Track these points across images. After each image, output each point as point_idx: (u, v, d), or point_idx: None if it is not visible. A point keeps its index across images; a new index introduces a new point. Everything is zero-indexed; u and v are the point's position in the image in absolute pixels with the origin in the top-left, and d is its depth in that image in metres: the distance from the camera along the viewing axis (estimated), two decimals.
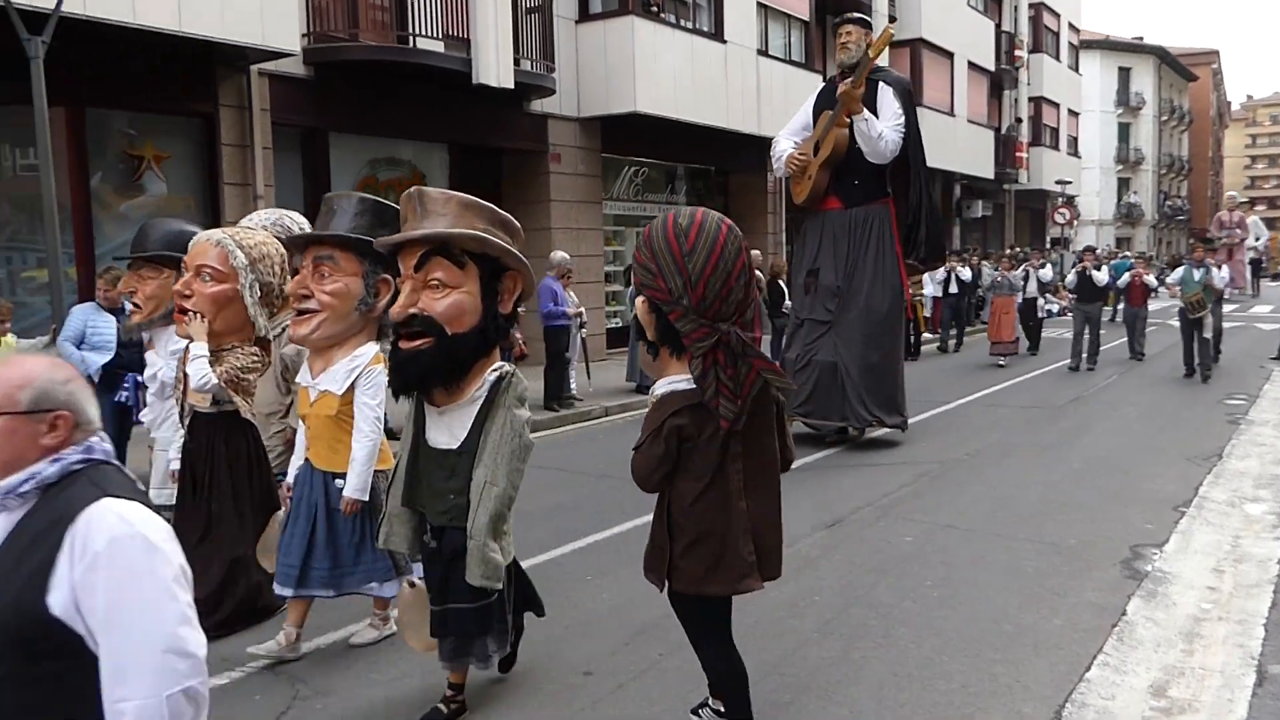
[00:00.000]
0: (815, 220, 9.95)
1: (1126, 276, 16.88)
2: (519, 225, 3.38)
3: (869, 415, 9.46)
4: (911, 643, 4.75)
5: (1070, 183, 36.54)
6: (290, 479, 4.55)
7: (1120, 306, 19.56)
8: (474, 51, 13.23)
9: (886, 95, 9.48)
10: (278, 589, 4.46)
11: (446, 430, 3.45)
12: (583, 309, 12.27)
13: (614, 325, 17.42)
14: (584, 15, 16.41)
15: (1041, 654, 4.60)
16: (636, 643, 4.78)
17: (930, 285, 18.88)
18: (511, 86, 13.68)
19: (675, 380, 3.10)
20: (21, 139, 10.23)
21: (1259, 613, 5.13)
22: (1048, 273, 18.45)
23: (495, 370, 3.45)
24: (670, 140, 17.71)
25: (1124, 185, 56.90)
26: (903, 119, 9.44)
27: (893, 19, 25.19)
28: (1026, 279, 17.87)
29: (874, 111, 9.37)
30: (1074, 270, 16.42)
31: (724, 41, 18.00)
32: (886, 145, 9.32)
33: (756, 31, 19.15)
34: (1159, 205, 60.12)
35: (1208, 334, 14.21)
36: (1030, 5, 35.88)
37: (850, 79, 9.22)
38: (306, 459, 4.42)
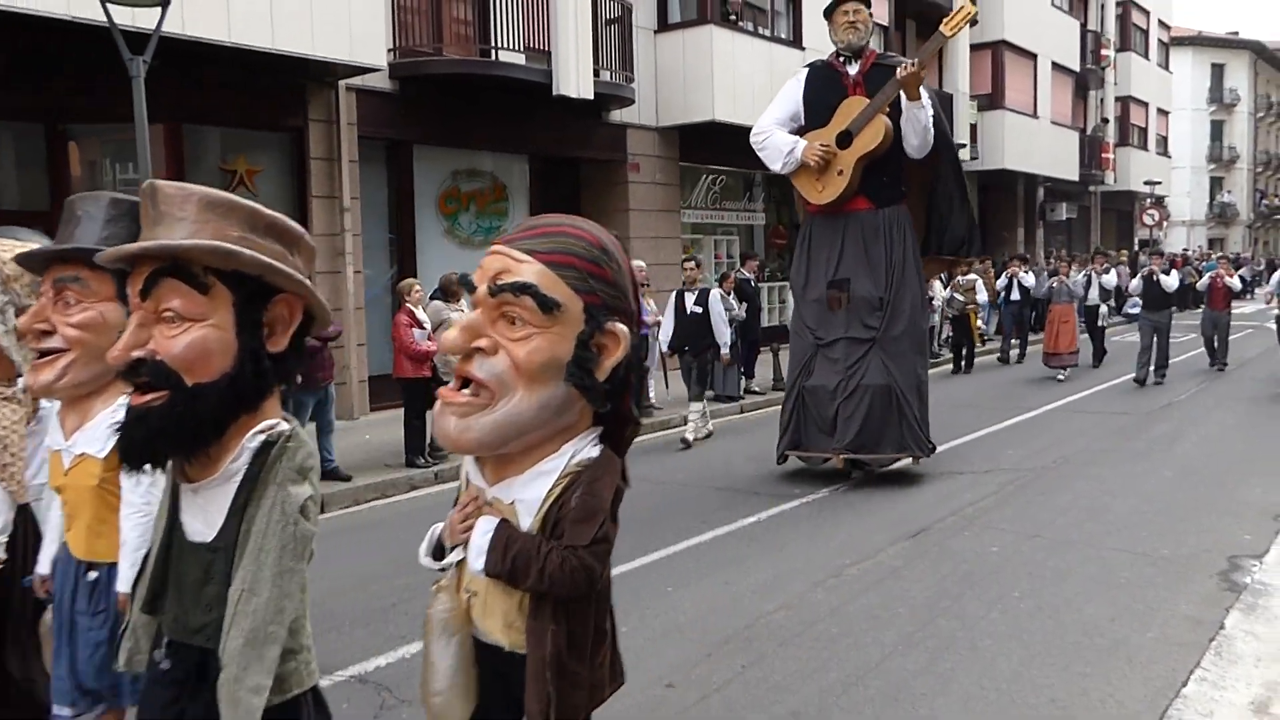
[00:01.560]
0: (832, 222, 8.62)
1: (1206, 279, 15.83)
2: (301, 231, 2.39)
3: (928, 440, 8.52)
4: (999, 655, 4.68)
5: (1159, 183, 35.53)
6: (44, 569, 3.47)
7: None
8: (554, 63, 13.39)
9: (895, 84, 8.19)
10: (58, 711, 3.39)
11: (201, 515, 2.47)
12: (660, 317, 12.29)
13: None
14: (663, 25, 16.48)
15: (1135, 668, 4.51)
16: (719, 654, 4.79)
17: (983, 293, 17.54)
18: (591, 97, 13.80)
19: (588, 438, 2.24)
20: (122, 154, 10.65)
21: None
22: (1111, 278, 17.19)
23: (261, 433, 2.40)
24: (748, 148, 17.56)
25: (1216, 185, 55.16)
26: (928, 109, 8.30)
27: (973, 22, 24.78)
28: (1089, 284, 16.73)
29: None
30: (1140, 275, 15.14)
31: (803, 49, 17.92)
32: (932, 136, 8.34)
33: None
34: (1255, 205, 58.14)
35: None
36: (1118, 3, 35.00)
37: (914, 61, 8.00)
38: (64, 543, 3.37)
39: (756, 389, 13.64)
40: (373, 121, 12.50)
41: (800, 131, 8.66)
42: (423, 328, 9.38)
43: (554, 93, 13.36)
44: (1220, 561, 6.05)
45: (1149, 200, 34.48)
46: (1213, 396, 13.08)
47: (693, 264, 11.13)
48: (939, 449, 9.69)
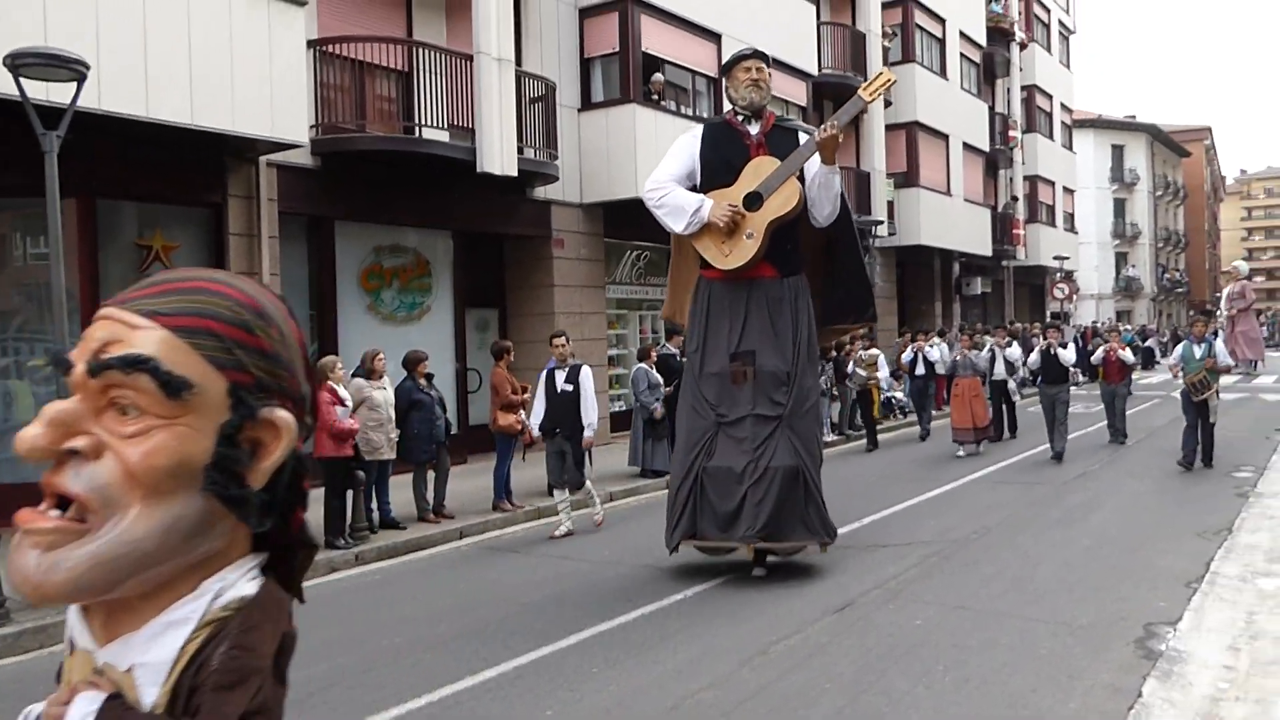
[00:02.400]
0: (733, 290, 7.93)
1: (1100, 352, 15.61)
2: None
3: (832, 524, 7.90)
4: None
5: (1068, 258, 36.92)
6: None
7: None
8: (479, 140, 13.48)
9: (810, 145, 7.70)
10: None
11: None
12: None
13: (617, 409, 17.43)
14: (586, 104, 16.74)
15: None
16: None
17: (884, 368, 17.15)
18: (515, 174, 13.90)
19: (242, 570, 1.47)
20: (33, 229, 10.39)
21: (1278, 691, 5.06)
22: (1015, 351, 16.83)
23: None
24: None
25: (1121, 259, 57.44)
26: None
27: (888, 103, 25.67)
28: (993, 359, 16.33)
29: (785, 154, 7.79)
30: (1037, 348, 14.90)
31: None
32: (839, 205, 7.96)
33: None
34: (1157, 278, 60.59)
35: (1214, 418, 12.67)
36: (1022, 88, 36.61)
37: (833, 122, 7.47)
38: None
39: None
40: (294, 197, 12.41)
41: (694, 190, 8.00)
42: (345, 405, 9.25)
43: (478, 169, 13.44)
44: (1137, 629, 6.15)
45: (1059, 274, 35.71)
46: (1125, 466, 13.40)
47: (563, 339, 10.08)
48: (864, 521, 9.79)
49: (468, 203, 14.43)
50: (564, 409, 9.84)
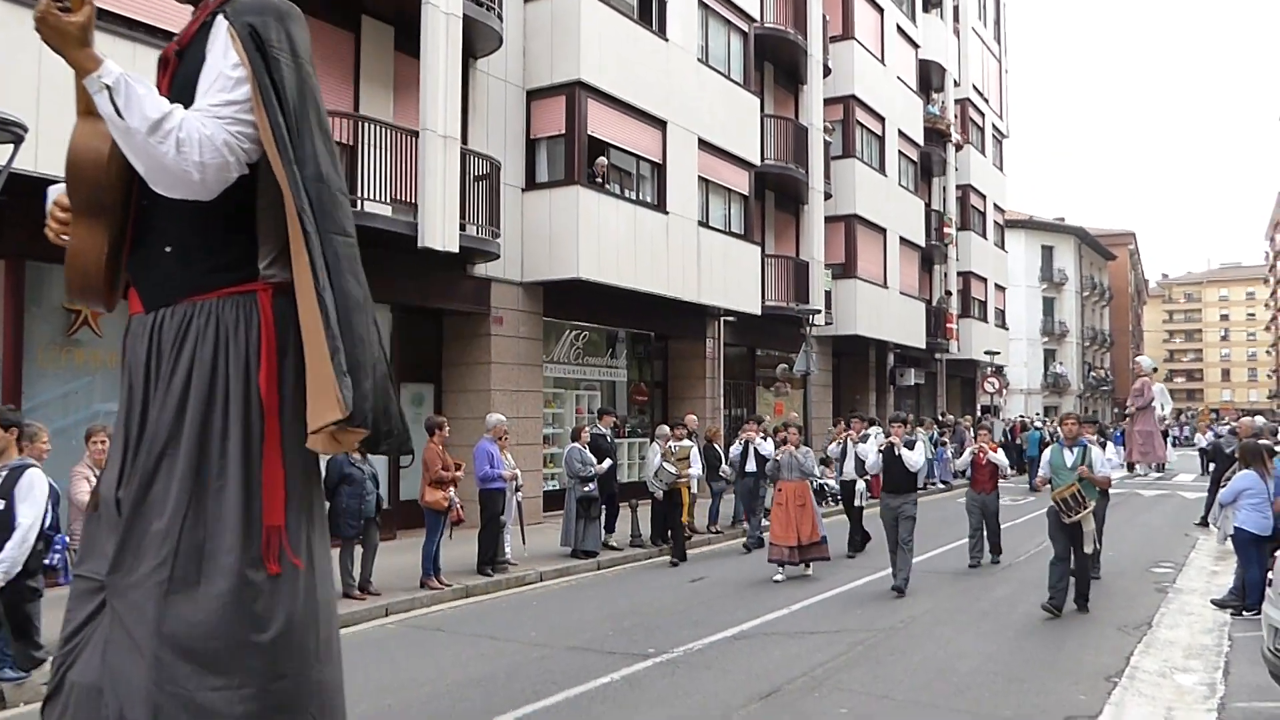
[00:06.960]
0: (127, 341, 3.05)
1: (967, 455, 13.05)
2: None
3: None
4: None
5: (998, 353, 37.83)
6: None
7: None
8: (421, 216, 13.53)
9: (218, 40, 2.69)
10: None
11: None
12: (518, 471, 12.21)
13: (551, 488, 17.31)
14: (530, 184, 16.92)
15: None
16: None
17: (697, 464, 14.24)
18: (456, 250, 13.95)
19: None
20: None
21: None
22: (867, 447, 13.62)
23: None
24: (611, 305, 18.07)
25: (1050, 356, 59.01)
26: (242, 83, 2.65)
27: (828, 195, 26.32)
28: (843, 455, 14.50)
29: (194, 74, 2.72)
30: (879, 448, 11.59)
31: (666, 212, 18.64)
32: (167, 151, 2.55)
33: (698, 204, 19.87)
34: (1084, 376, 62.23)
35: (1089, 546, 9.78)
36: (957, 187, 37.84)
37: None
38: None
39: (614, 544, 13.55)
40: None
41: None
42: None
43: (419, 244, 13.47)
44: None
45: (989, 369, 36.52)
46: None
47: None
48: (793, 607, 9.74)
49: (407, 277, 14.41)
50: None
